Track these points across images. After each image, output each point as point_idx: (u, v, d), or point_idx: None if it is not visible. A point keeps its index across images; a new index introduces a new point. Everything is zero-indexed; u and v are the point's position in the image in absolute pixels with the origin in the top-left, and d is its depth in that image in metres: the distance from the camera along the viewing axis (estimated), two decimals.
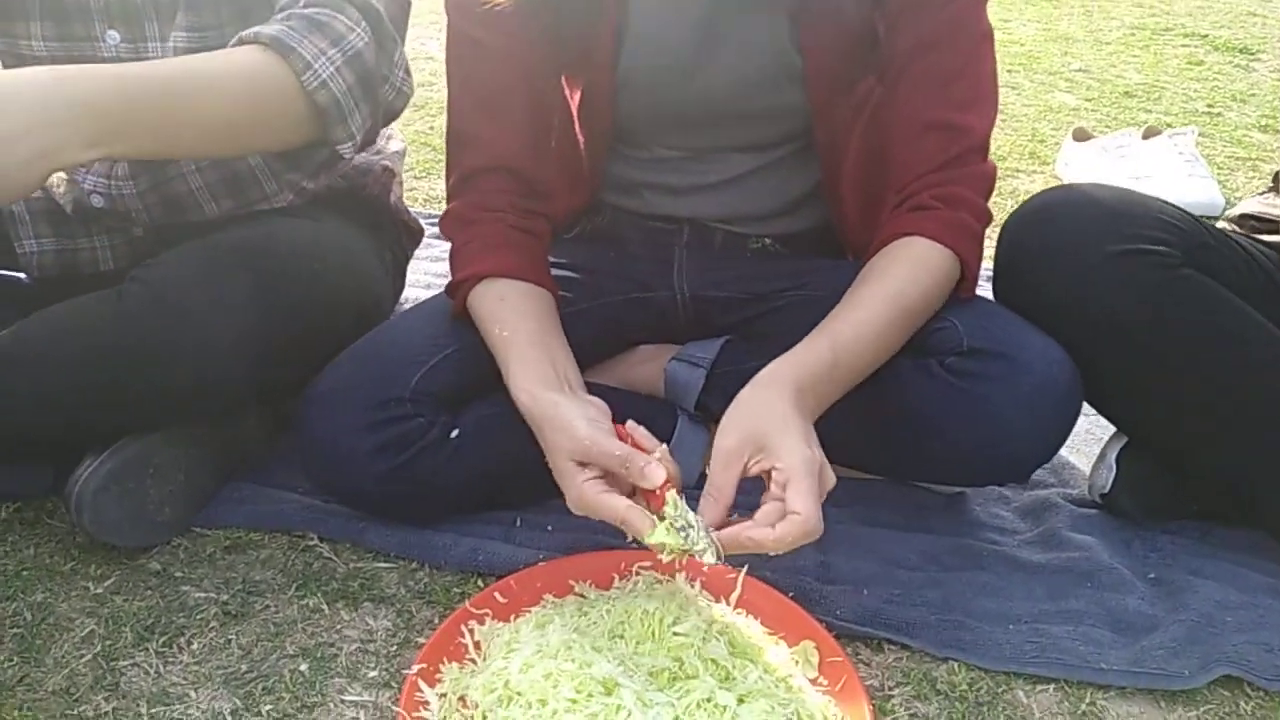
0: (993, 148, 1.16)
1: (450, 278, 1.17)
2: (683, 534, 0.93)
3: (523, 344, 1.08)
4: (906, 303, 1.08)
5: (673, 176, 1.26)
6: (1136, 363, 1.11)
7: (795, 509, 0.89)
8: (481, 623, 1.02)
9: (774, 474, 0.93)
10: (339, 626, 1.04)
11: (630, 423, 1.01)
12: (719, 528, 0.93)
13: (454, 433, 1.12)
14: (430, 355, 1.14)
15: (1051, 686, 1.03)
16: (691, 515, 0.94)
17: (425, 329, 1.18)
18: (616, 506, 0.94)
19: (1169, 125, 2.61)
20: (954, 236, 1.10)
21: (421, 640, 1.01)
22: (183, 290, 1.01)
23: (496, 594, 1.05)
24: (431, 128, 2.55)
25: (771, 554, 0.92)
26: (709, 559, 0.92)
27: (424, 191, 2.20)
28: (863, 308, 1.07)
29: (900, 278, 1.09)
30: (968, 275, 1.12)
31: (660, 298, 1.31)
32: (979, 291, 1.17)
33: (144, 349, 1.01)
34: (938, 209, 1.11)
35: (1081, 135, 2.54)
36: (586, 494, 0.95)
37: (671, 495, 0.95)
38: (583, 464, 0.96)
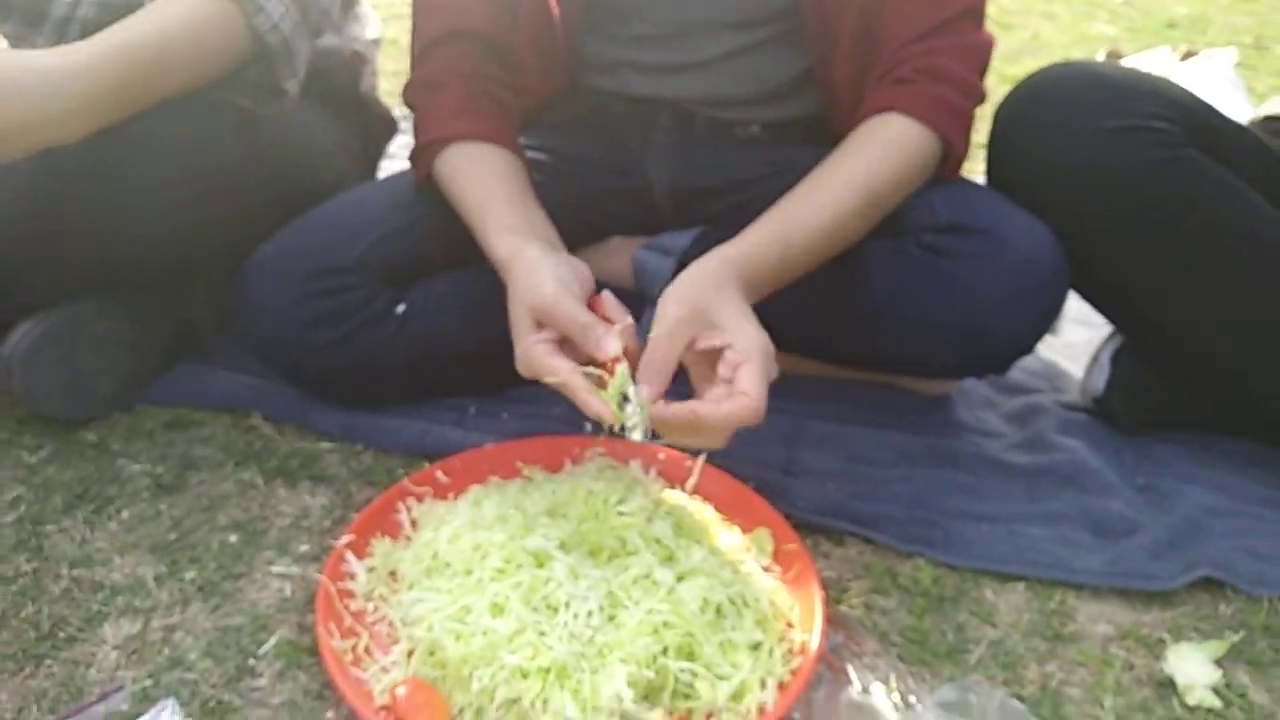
0: (1011, 77, 1.07)
1: (413, 149, 1.11)
2: (619, 408, 0.88)
3: (500, 200, 1.01)
4: (874, 185, 1.00)
5: (653, 54, 1.19)
6: (1130, 247, 1.03)
7: (745, 389, 0.83)
8: (421, 500, 0.97)
9: (726, 354, 0.87)
10: (274, 503, 1.00)
11: (605, 292, 0.94)
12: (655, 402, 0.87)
13: (400, 308, 1.07)
14: (380, 227, 1.08)
15: (1021, 585, 0.97)
16: (632, 389, 0.88)
17: (380, 201, 1.12)
18: (560, 368, 0.88)
19: None
20: (933, 112, 1.02)
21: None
22: (110, 140, 0.96)
23: (439, 472, 1.00)
24: None
25: (706, 445, 0.86)
26: (637, 435, 0.86)
27: None
28: (822, 190, 0.99)
29: (868, 158, 1.01)
30: (951, 155, 1.05)
31: (638, 186, 1.24)
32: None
33: (65, 197, 0.96)
34: (917, 82, 1.03)
35: (1115, 56, 2.44)
36: (534, 352, 0.89)
37: (621, 368, 0.89)
38: (541, 324, 0.90)
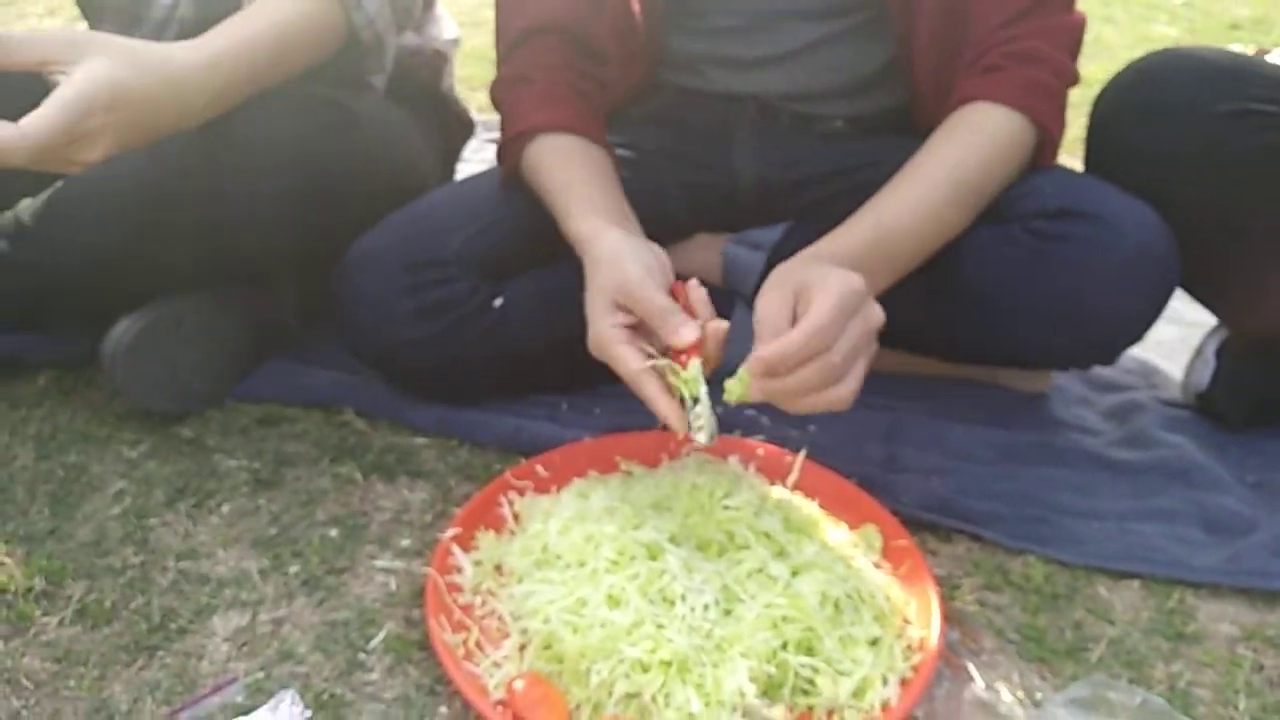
0: (1082, 77, 1.05)
1: (500, 142, 1.11)
2: (686, 405, 0.86)
3: (584, 184, 1.01)
4: (966, 174, 0.98)
5: (734, 48, 1.18)
6: (1242, 233, 1.00)
7: (810, 312, 0.80)
8: (522, 494, 0.96)
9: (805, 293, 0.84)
10: (372, 498, 0.99)
11: (693, 281, 0.93)
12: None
13: (497, 301, 1.06)
14: (475, 221, 1.08)
15: (1136, 584, 0.94)
16: (703, 390, 0.86)
17: (472, 196, 1.12)
18: (629, 358, 0.86)
19: None
20: (1024, 96, 0.99)
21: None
22: (219, 133, 0.96)
23: (539, 467, 0.99)
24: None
25: (793, 395, 0.82)
26: (702, 438, 0.85)
27: (478, 102, 2.14)
28: (913, 182, 0.98)
29: (959, 146, 0.99)
30: (1048, 140, 1.02)
31: (723, 180, 1.23)
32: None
33: (175, 187, 0.97)
34: (1007, 68, 1.01)
35: (1260, 51, 2.39)
36: (607, 336, 0.87)
37: (695, 364, 0.87)
38: (620, 307, 0.89)
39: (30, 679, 0.79)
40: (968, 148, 1.00)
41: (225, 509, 0.97)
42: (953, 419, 1.14)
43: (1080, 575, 0.95)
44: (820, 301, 0.80)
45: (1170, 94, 1.01)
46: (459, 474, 1.03)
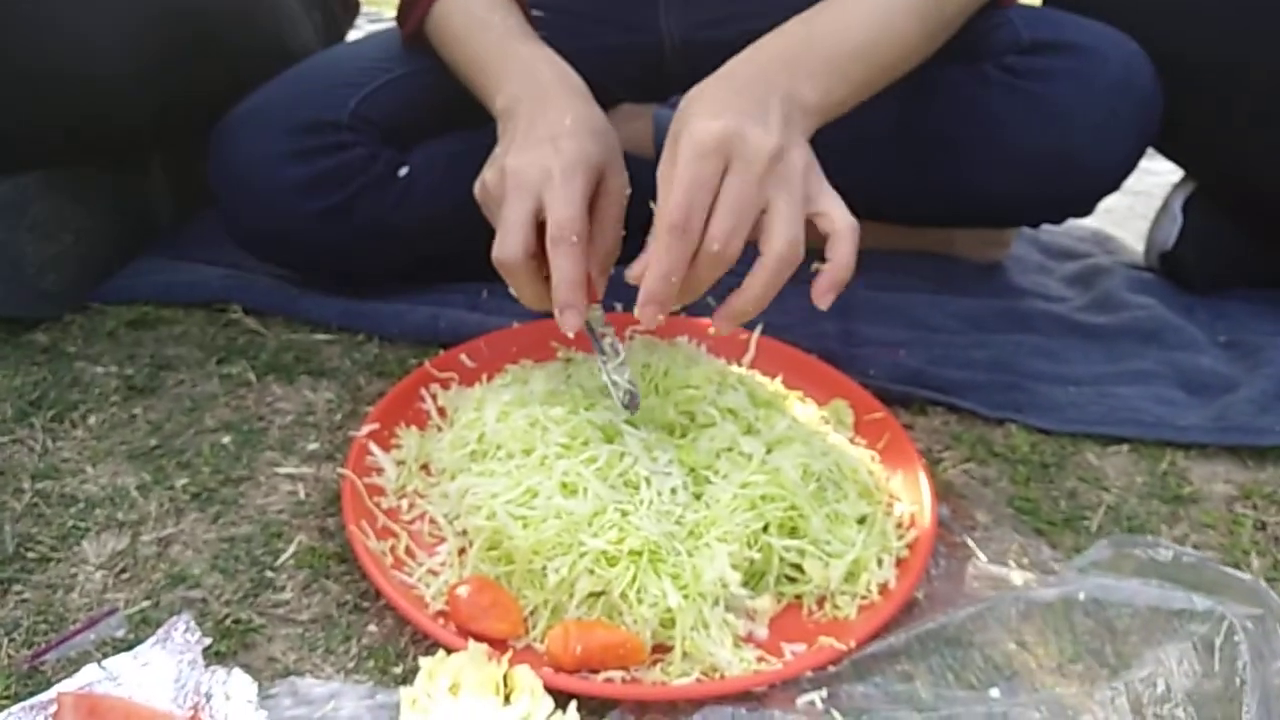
0: None
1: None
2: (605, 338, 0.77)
3: (515, 36, 0.86)
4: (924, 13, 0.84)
5: None
6: (1218, 75, 0.93)
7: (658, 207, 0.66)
8: (446, 387, 0.83)
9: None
10: (270, 400, 0.85)
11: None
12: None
13: (402, 170, 0.92)
14: (373, 78, 0.93)
15: (1125, 448, 0.87)
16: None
17: (371, 52, 0.97)
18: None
19: None
20: None
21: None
22: None
23: (463, 356, 0.86)
24: None
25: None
26: (621, 389, 0.74)
27: None
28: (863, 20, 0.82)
29: None
30: None
31: (648, 42, 1.10)
32: None
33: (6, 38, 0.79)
34: None
35: None
36: (580, 245, 0.69)
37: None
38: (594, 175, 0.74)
39: None
40: None
41: (92, 420, 0.82)
42: (911, 290, 1.05)
43: (1067, 443, 0.87)
44: (662, 198, 0.66)
45: None
46: (369, 371, 0.90)
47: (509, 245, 0.71)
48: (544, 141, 0.74)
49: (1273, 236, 1.05)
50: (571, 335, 0.72)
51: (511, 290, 0.74)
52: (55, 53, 0.80)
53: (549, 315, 0.91)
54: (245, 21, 0.93)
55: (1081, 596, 0.62)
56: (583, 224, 0.70)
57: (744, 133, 0.66)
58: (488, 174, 0.75)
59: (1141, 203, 1.21)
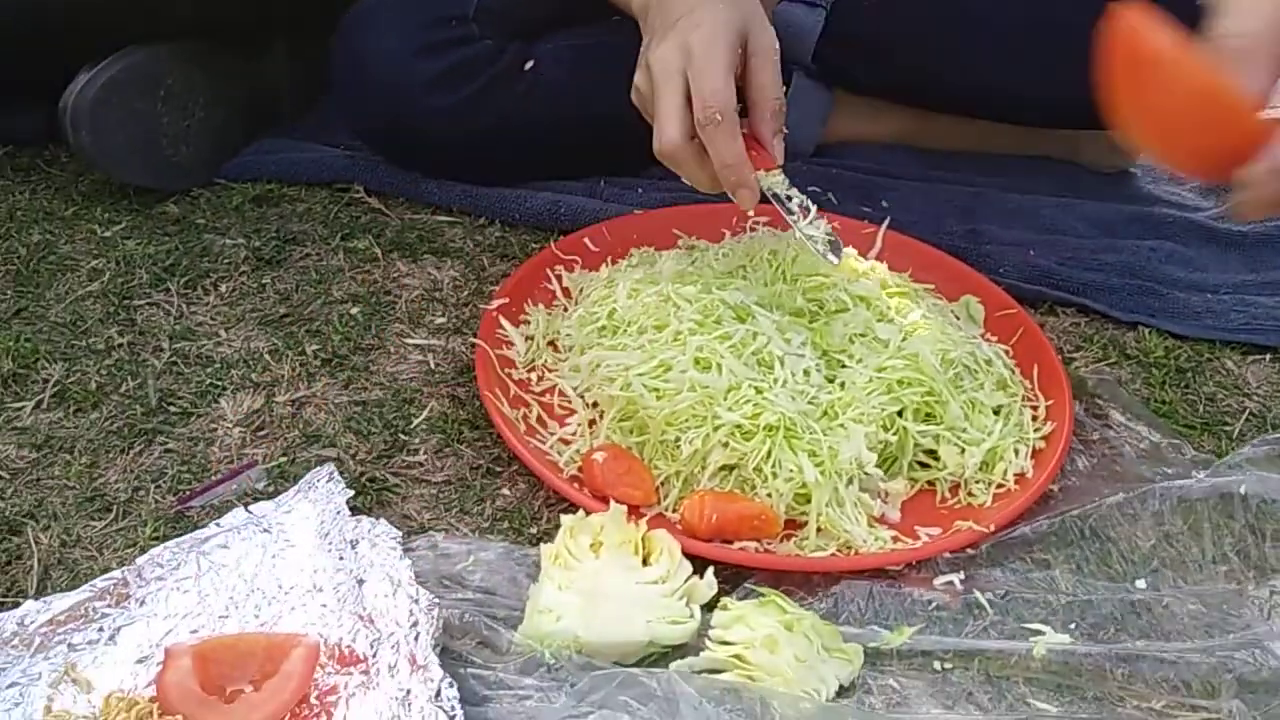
0: None
1: None
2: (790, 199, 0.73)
3: None
4: None
5: None
6: None
7: None
8: (570, 269, 0.83)
9: None
10: (395, 275, 0.86)
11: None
12: None
13: (528, 64, 0.91)
14: None
15: (1268, 356, 0.84)
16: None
17: None
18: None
19: None
20: None
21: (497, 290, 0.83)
22: None
23: (587, 240, 0.86)
24: None
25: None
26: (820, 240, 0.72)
27: None
28: None
29: None
30: None
31: None
32: None
33: None
34: None
35: None
36: (728, 123, 0.67)
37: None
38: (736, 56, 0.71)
39: (5, 468, 0.66)
40: None
41: (223, 288, 0.83)
42: (1038, 193, 1.01)
43: (1204, 348, 0.84)
44: None
45: None
46: (491, 252, 0.90)
47: (667, 134, 0.69)
48: (679, 24, 0.72)
49: None
50: (750, 211, 0.72)
51: (684, 179, 0.73)
52: None
53: (677, 203, 0.91)
54: None
55: (1242, 490, 0.60)
56: (726, 98, 0.68)
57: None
58: (637, 77, 0.73)
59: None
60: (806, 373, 0.68)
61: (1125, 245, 0.94)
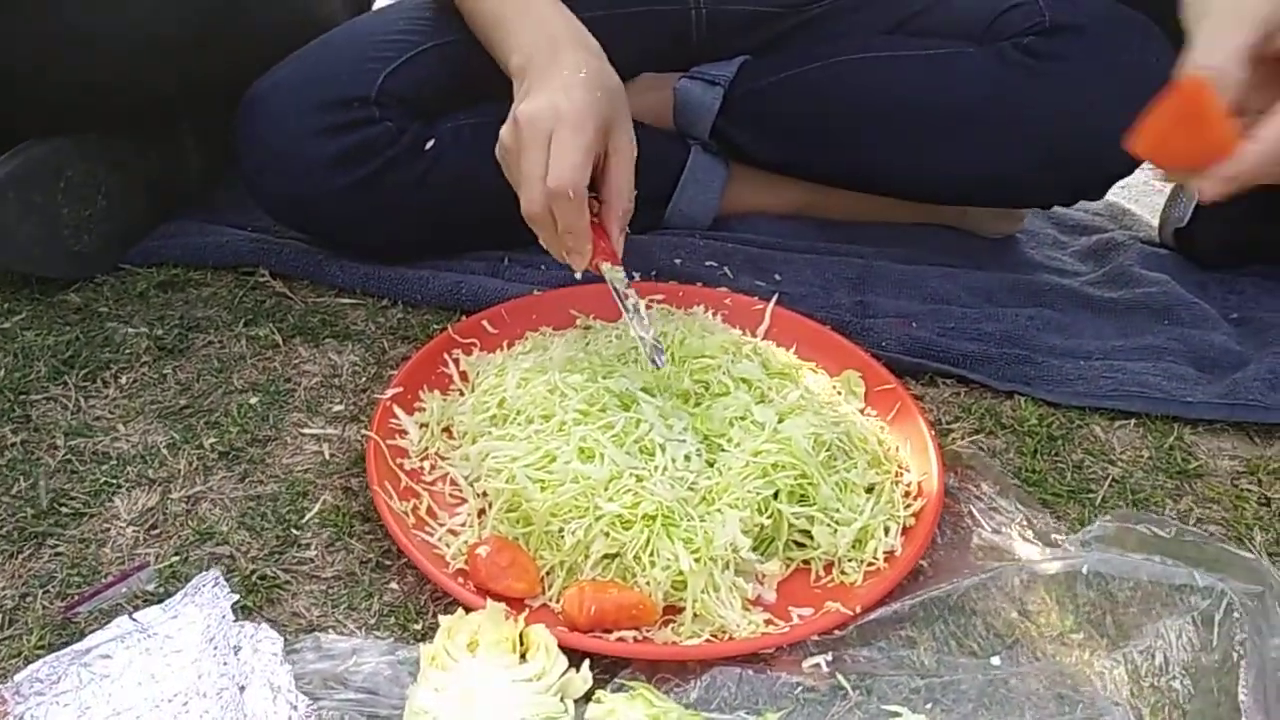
0: None
1: None
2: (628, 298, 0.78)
3: None
4: None
5: None
6: None
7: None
8: (468, 353, 0.85)
9: None
10: (296, 362, 0.88)
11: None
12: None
13: (429, 143, 0.93)
14: (403, 49, 0.94)
15: (1132, 422, 0.88)
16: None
17: (394, 24, 0.98)
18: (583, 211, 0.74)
19: None
20: None
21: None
22: None
23: (485, 323, 0.88)
24: None
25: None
26: (646, 343, 0.76)
27: None
28: None
29: None
30: None
31: (672, 12, 1.10)
32: None
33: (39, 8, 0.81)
34: None
35: None
36: (577, 201, 0.72)
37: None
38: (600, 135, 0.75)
39: None
40: None
41: (123, 379, 0.84)
42: (924, 263, 1.06)
43: (1075, 416, 0.88)
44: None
45: None
46: (393, 335, 0.92)
47: (529, 199, 0.74)
48: (555, 90, 0.75)
49: None
50: (579, 276, 0.77)
51: (541, 241, 0.77)
52: (85, 22, 0.82)
53: (575, 282, 0.94)
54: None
55: (1085, 569, 0.64)
56: (580, 177, 0.72)
57: None
58: (504, 130, 0.77)
59: (1156, 176, 1.21)
60: (687, 458, 0.71)
61: (1005, 314, 0.98)
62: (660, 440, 0.70)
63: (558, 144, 0.72)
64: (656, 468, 0.69)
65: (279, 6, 0.95)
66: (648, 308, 0.88)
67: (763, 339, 0.90)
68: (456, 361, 0.85)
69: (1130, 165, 0.94)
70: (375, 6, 1.29)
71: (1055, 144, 0.90)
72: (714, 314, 0.92)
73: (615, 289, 0.78)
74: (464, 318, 0.93)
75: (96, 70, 0.85)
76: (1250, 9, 0.59)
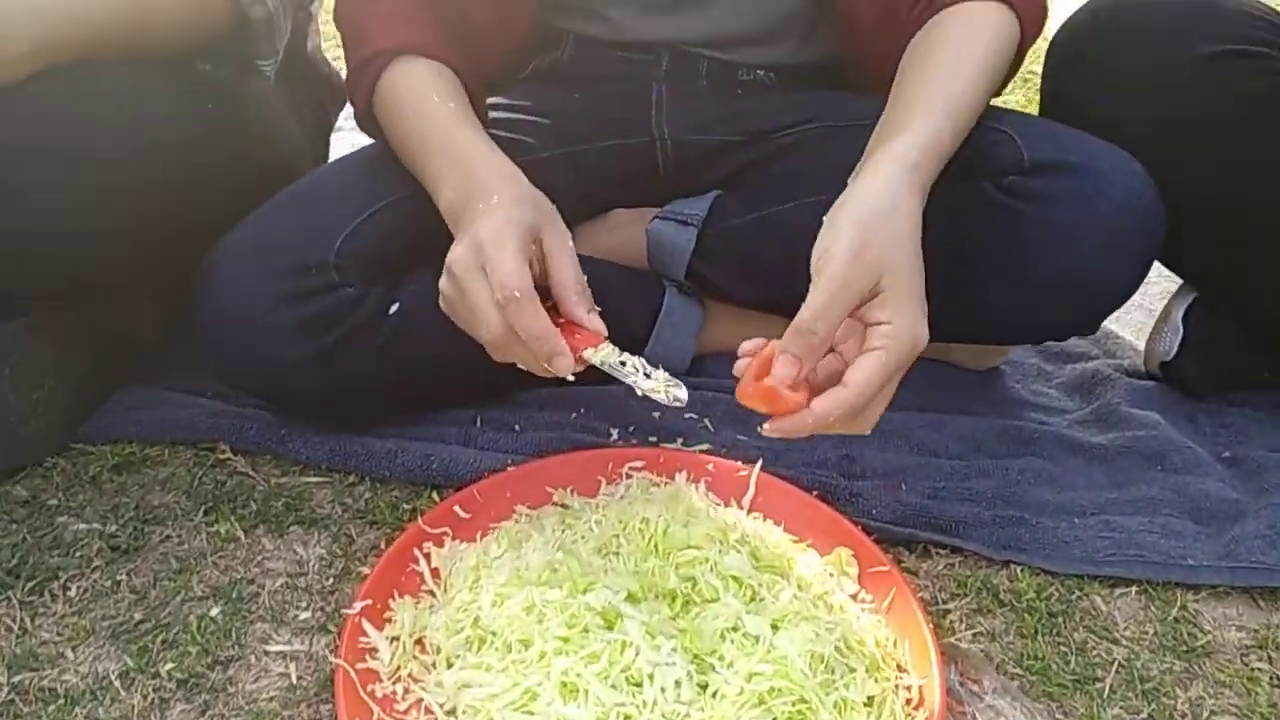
0: None
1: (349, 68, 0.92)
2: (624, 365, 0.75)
3: (454, 123, 0.85)
4: (988, 63, 0.83)
5: None
6: (1229, 189, 0.91)
7: (850, 379, 0.68)
8: (440, 544, 0.81)
9: (870, 333, 0.69)
10: (260, 558, 0.83)
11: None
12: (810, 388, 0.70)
13: (393, 307, 0.90)
14: (361, 209, 0.90)
15: (1133, 589, 0.86)
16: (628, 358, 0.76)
17: (355, 178, 0.94)
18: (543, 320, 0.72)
19: None
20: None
21: (365, 570, 0.81)
22: (27, 124, 0.76)
23: (457, 508, 0.84)
24: None
25: (793, 435, 0.70)
26: (664, 395, 0.73)
27: None
28: (958, 68, 0.81)
29: (969, 38, 0.84)
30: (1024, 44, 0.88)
31: (638, 145, 1.08)
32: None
33: None
34: None
35: None
36: (529, 305, 0.71)
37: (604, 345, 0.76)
38: (530, 248, 0.75)
39: None
40: (978, 40, 0.84)
41: (73, 590, 0.79)
42: (910, 408, 1.03)
43: (1073, 585, 0.86)
44: (861, 371, 0.67)
45: (1145, 34, 0.90)
46: (361, 519, 0.87)
47: (488, 328, 0.73)
48: (474, 226, 0.75)
49: (1275, 344, 1.04)
50: (570, 377, 0.74)
51: (521, 365, 0.76)
52: (23, 212, 0.77)
53: (543, 450, 0.90)
54: (231, 155, 0.91)
55: None
56: (521, 279, 0.71)
57: (923, 337, 0.70)
58: (442, 283, 0.77)
59: (1138, 296, 1.19)
60: (677, 684, 0.67)
61: (995, 467, 0.96)
62: (648, 669, 0.66)
63: (489, 264, 0.72)
64: (645, 704, 0.65)
65: (231, 167, 0.91)
66: (625, 480, 0.86)
67: (749, 512, 0.86)
68: (428, 556, 0.80)
69: (1119, 300, 0.91)
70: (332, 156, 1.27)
71: (1042, 286, 0.88)
72: (697, 483, 0.88)
73: (609, 365, 0.74)
74: (435, 493, 0.89)
75: (38, 261, 0.81)
76: (857, 286, 0.67)
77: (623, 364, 0.74)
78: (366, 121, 0.94)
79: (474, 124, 0.87)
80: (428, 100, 0.87)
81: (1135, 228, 0.87)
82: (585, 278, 0.76)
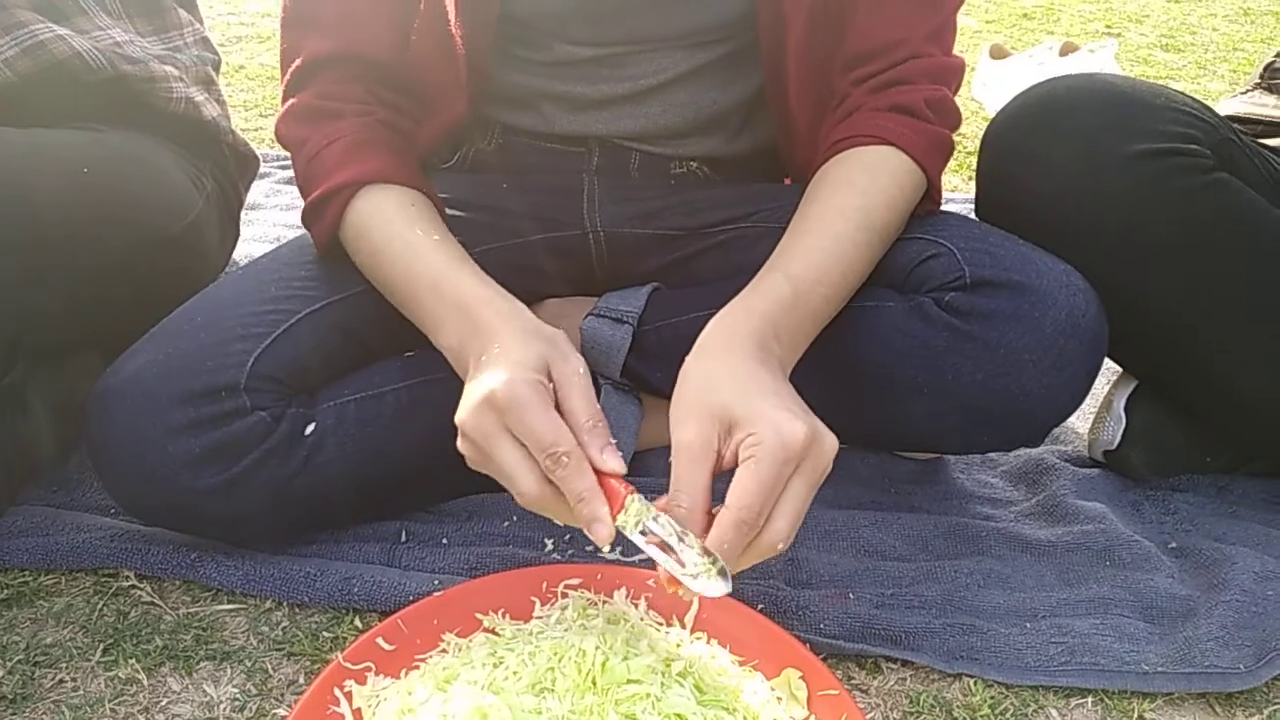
0: None
1: (307, 200, 0.89)
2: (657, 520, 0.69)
3: (441, 263, 0.82)
4: (872, 219, 0.85)
5: (578, 84, 0.99)
6: (1164, 288, 0.90)
7: (728, 498, 0.66)
8: (362, 682, 0.76)
9: (742, 449, 0.68)
10: (164, 702, 0.76)
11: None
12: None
13: (309, 429, 0.84)
14: (274, 324, 0.85)
15: (1089, 700, 0.83)
16: (663, 522, 0.69)
17: (268, 287, 0.89)
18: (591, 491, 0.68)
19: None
20: (926, 149, 0.88)
21: (281, 712, 0.75)
22: None
23: (380, 640, 0.78)
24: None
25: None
26: (710, 587, 0.67)
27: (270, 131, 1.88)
28: (820, 229, 0.84)
29: (863, 187, 0.86)
30: (932, 189, 0.91)
31: (569, 238, 1.05)
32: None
33: None
34: (904, 112, 0.89)
35: (999, 53, 2.37)
36: (575, 460, 0.67)
37: (637, 498, 0.70)
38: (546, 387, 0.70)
39: None
40: (872, 189, 0.86)
41: None
42: (849, 504, 1.00)
43: (1028, 697, 0.83)
44: (746, 474, 0.66)
45: (1076, 133, 0.90)
46: (278, 650, 0.81)
47: (525, 492, 0.69)
48: (479, 377, 0.71)
49: (1218, 431, 1.03)
50: (607, 548, 0.70)
51: (557, 521, 0.72)
52: None
53: (471, 568, 0.85)
54: (120, 223, 0.85)
55: None
56: (559, 436, 0.67)
57: (820, 437, 0.68)
58: (462, 446, 0.72)
59: (1104, 384, 1.19)
60: None
61: (944, 570, 0.93)
62: None
63: (515, 425, 0.67)
64: None
65: (109, 247, 0.86)
66: (561, 598, 0.81)
67: (692, 632, 0.82)
68: (349, 695, 0.75)
69: (1062, 418, 0.90)
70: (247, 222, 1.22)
71: (985, 403, 0.86)
72: (637, 601, 0.84)
73: (641, 543, 0.68)
74: (358, 619, 0.84)
75: None
76: (703, 441, 0.67)
77: (655, 519, 0.68)
78: (327, 251, 0.90)
79: (462, 258, 0.83)
80: (410, 233, 0.84)
81: (1079, 349, 0.86)
82: (599, 408, 0.72)
